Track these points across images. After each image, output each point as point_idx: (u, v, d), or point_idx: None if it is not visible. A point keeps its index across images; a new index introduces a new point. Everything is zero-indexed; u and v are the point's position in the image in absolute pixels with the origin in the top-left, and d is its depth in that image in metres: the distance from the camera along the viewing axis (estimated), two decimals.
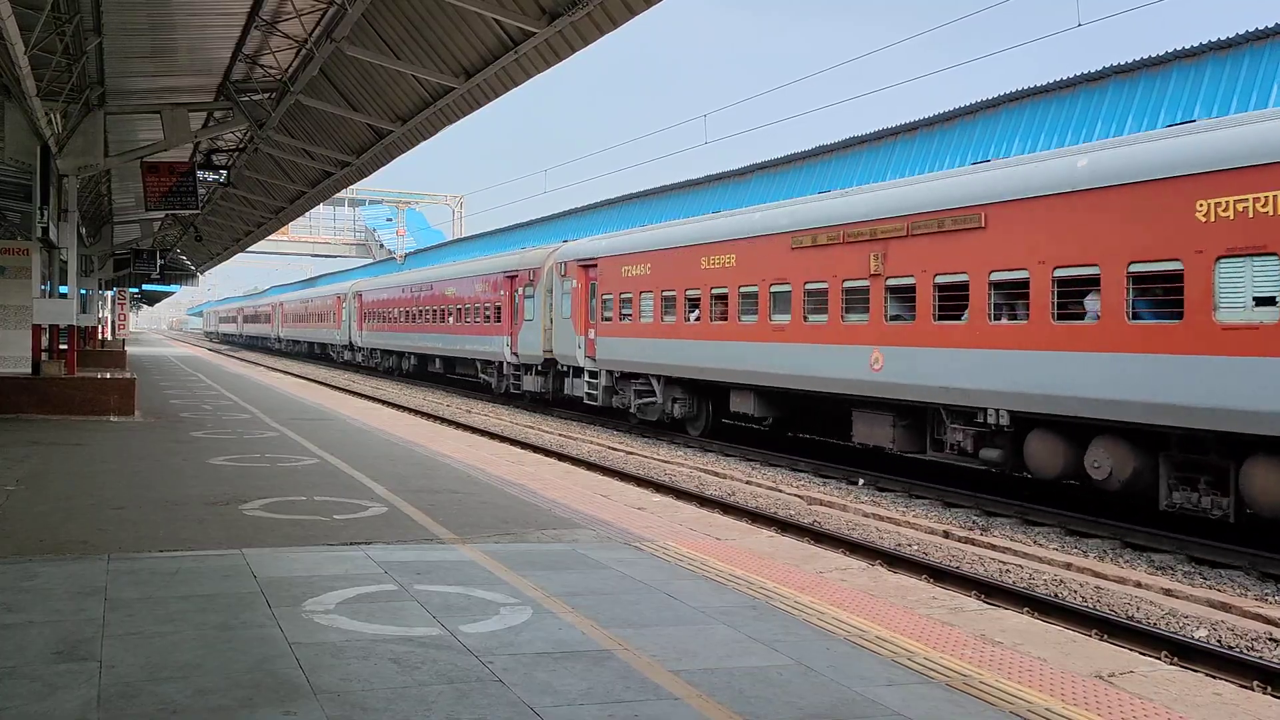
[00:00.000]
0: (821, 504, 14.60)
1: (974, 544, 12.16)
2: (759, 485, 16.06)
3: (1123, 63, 21.57)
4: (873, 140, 29.65)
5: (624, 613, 6.42)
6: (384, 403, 30.15)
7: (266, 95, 19.00)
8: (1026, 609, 9.21)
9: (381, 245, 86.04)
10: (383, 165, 22.73)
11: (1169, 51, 20.58)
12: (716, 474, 17.16)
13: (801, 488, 15.92)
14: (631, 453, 19.80)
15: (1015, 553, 11.66)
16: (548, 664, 5.38)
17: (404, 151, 20.93)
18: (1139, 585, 10.20)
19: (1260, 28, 18.92)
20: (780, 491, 15.49)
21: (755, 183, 34.79)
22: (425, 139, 19.34)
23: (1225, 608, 9.34)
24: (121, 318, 59.12)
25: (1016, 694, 5.15)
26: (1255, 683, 7.33)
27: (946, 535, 12.65)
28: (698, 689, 5.06)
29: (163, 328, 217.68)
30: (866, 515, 13.80)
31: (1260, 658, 7.93)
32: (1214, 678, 6.96)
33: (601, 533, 9.09)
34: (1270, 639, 8.39)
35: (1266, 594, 9.83)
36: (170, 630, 5.83)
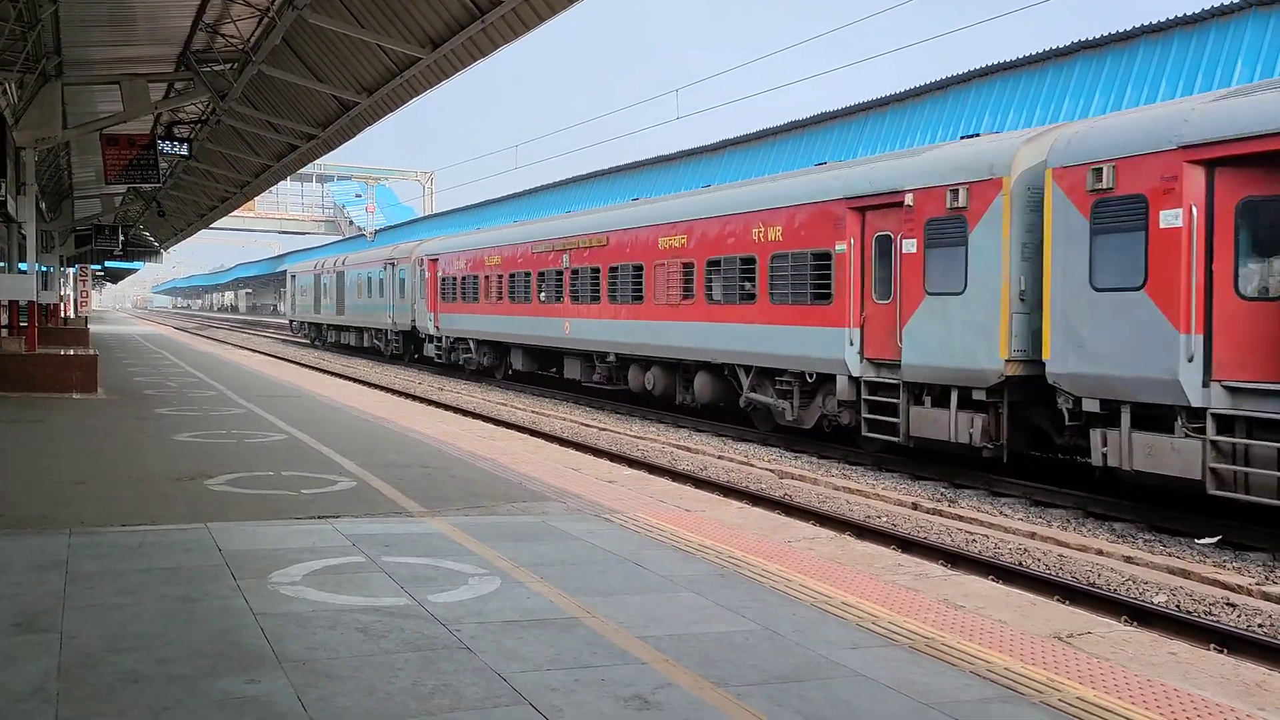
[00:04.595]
0: (793, 477, 14.69)
1: (942, 515, 12.29)
2: (731, 460, 16.12)
3: (1091, 38, 21.67)
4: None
5: (592, 582, 6.44)
6: (354, 380, 29.96)
7: (228, 65, 18.71)
8: (991, 576, 9.32)
9: (351, 222, 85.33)
10: (350, 138, 22.48)
11: (1136, 27, 20.69)
12: (689, 449, 17.20)
13: (773, 462, 16.00)
14: (604, 429, 19.82)
15: (982, 523, 11.79)
16: (515, 631, 5.39)
17: (371, 124, 20.71)
18: (1100, 553, 10.35)
19: (1223, 3, 19.06)
20: (752, 466, 15.56)
21: (727, 157, 34.88)
22: (392, 110, 19.14)
23: (1184, 574, 9.49)
24: (83, 295, 58.29)
25: (977, 655, 5.21)
26: (1212, 645, 7.46)
27: (915, 507, 12.77)
28: (664, 654, 5.08)
29: (127, 306, 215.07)
30: (837, 488, 13.90)
31: (1217, 621, 8.07)
32: (1171, 639, 7.08)
33: (571, 505, 9.10)
34: (1227, 604, 8.55)
35: (1224, 561, 10.00)
36: (132, 602, 5.78)
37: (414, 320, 36.21)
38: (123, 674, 4.65)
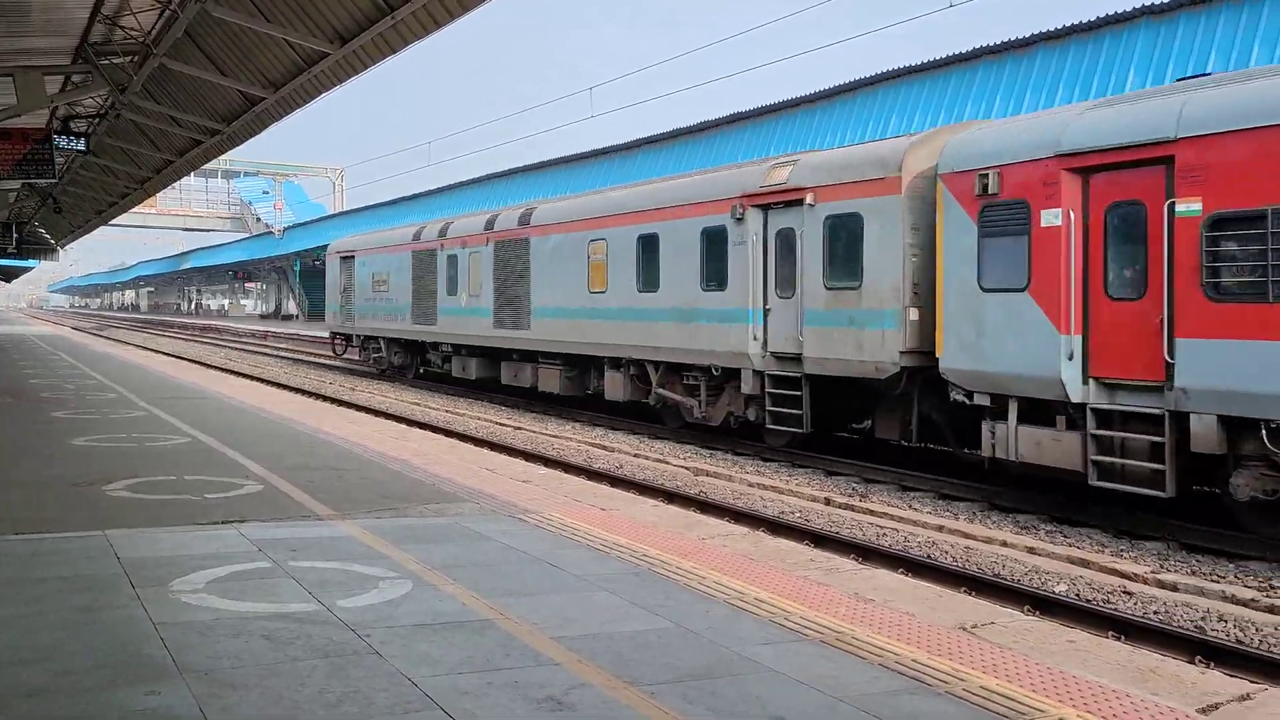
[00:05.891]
0: (708, 475, 14.79)
1: (853, 510, 12.50)
2: (647, 458, 16.17)
3: (992, 44, 22.26)
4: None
5: (506, 583, 6.40)
6: (264, 381, 29.28)
7: (128, 58, 18.10)
8: (901, 569, 9.52)
9: (259, 219, 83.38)
10: (255, 134, 21.94)
11: (1035, 34, 21.33)
12: (605, 448, 17.20)
13: (689, 459, 16.08)
14: (520, 428, 19.71)
15: (892, 517, 12.02)
16: (427, 635, 5.33)
17: (277, 119, 20.24)
18: (1005, 544, 10.64)
19: (1119, 11, 19.77)
20: (668, 464, 15.63)
21: (642, 156, 34.98)
22: (299, 106, 18.74)
23: (1084, 564, 9.81)
24: None
25: (885, 647, 5.32)
26: (1110, 633, 7.73)
27: (828, 502, 12.96)
28: (578, 654, 5.08)
29: (22, 305, 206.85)
30: (751, 485, 14.04)
31: (1115, 609, 8.36)
32: (1071, 628, 7.32)
33: (485, 505, 9.03)
34: (1124, 592, 8.86)
35: (1121, 550, 10.37)
36: (29, 613, 5.56)
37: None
38: (19, 687, 4.48)
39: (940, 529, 11.39)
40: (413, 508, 8.83)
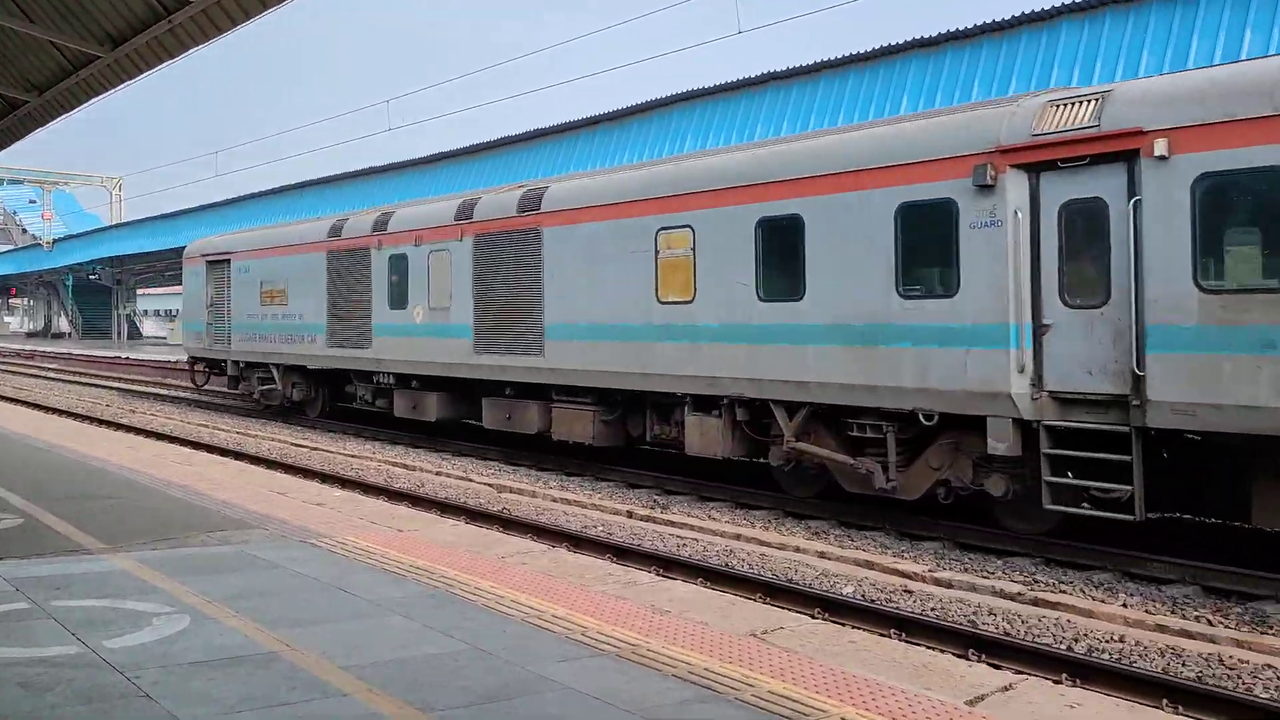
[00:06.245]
0: (511, 491, 14.69)
1: (655, 522, 12.69)
2: (449, 476, 15.91)
3: (780, 70, 23.27)
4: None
5: (294, 612, 6.14)
6: (30, 405, 27.06)
7: None
8: (700, 579, 9.73)
9: (25, 230, 77.27)
10: (17, 140, 20.25)
11: (818, 61, 22.42)
12: (406, 466, 16.81)
13: (492, 476, 15.93)
14: (316, 448, 18.98)
15: (692, 527, 12.28)
16: (205, 672, 5.04)
17: (42, 125, 18.75)
18: (798, 550, 11.06)
19: (892, 43, 21.01)
20: (470, 481, 15.42)
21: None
22: (68, 111, 17.43)
23: (869, 565, 10.32)
24: None
25: (680, 658, 5.42)
26: (892, 630, 8.15)
27: (630, 515, 13.12)
28: (368, 683, 4.92)
29: None
30: (555, 500, 14.03)
31: (896, 608, 8.83)
32: (857, 628, 7.67)
33: (274, 531, 8.64)
34: (905, 590, 9.37)
35: (903, 551, 10.96)
36: None
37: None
38: None
39: (738, 537, 11.72)
40: (194, 537, 8.36)
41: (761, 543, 11.43)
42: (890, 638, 7.90)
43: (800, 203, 12.17)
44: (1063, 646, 7.60)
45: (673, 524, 12.50)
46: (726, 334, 12.90)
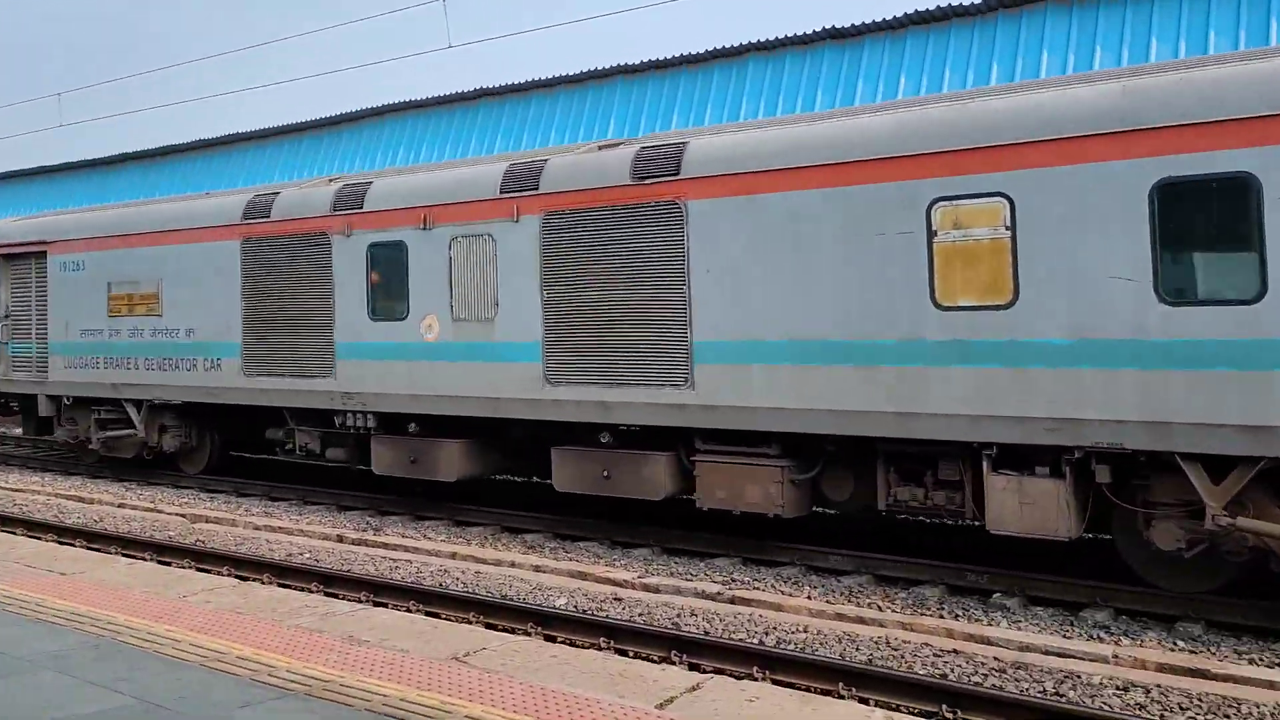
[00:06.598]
0: (208, 521, 13.69)
1: (367, 544, 12.22)
2: (135, 508, 14.60)
3: (492, 85, 23.26)
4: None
5: None
6: None
7: None
8: (412, 601, 9.44)
9: None
10: None
11: (530, 79, 22.57)
12: (82, 499, 15.28)
13: (185, 505, 14.78)
14: None
15: (406, 549, 11.92)
16: None
17: None
18: (514, 565, 10.99)
19: (726, 46, 20.78)
20: (160, 512, 14.24)
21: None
22: None
23: (582, 576, 10.40)
24: None
25: (375, 690, 5.19)
26: (602, 638, 8.23)
27: (340, 539, 12.56)
28: None
29: None
30: (258, 528, 13.21)
31: (605, 616, 8.94)
32: (568, 641, 7.69)
33: None
34: (615, 599, 9.51)
35: (615, 559, 11.15)
36: None
37: None
38: None
39: (454, 556, 11.50)
40: None
41: (477, 559, 11.27)
42: (600, 647, 7.99)
43: (1256, 153, 7.63)
44: (755, 641, 7.98)
45: (386, 546, 12.09)
46: (1086, 353, 8.42)
